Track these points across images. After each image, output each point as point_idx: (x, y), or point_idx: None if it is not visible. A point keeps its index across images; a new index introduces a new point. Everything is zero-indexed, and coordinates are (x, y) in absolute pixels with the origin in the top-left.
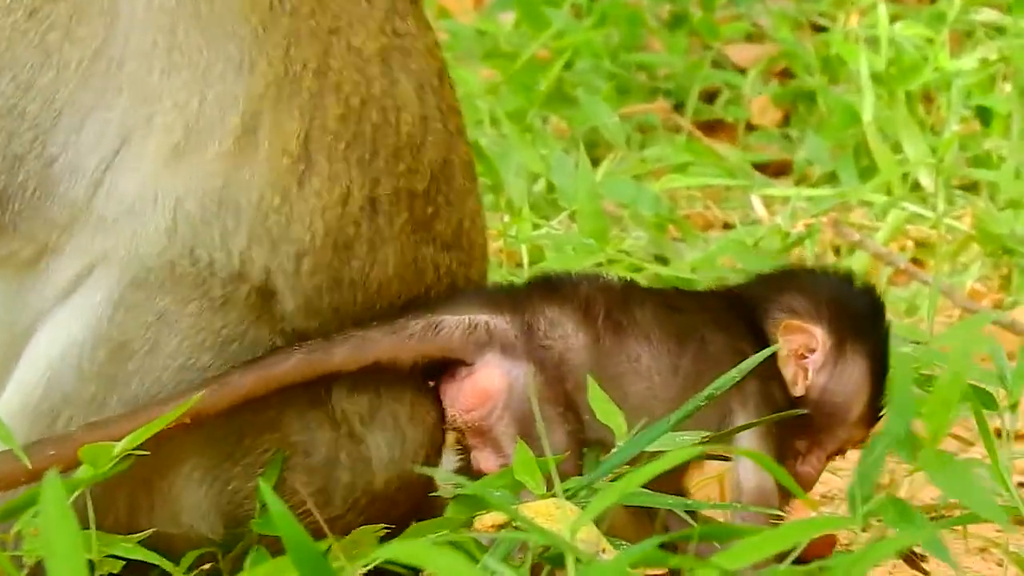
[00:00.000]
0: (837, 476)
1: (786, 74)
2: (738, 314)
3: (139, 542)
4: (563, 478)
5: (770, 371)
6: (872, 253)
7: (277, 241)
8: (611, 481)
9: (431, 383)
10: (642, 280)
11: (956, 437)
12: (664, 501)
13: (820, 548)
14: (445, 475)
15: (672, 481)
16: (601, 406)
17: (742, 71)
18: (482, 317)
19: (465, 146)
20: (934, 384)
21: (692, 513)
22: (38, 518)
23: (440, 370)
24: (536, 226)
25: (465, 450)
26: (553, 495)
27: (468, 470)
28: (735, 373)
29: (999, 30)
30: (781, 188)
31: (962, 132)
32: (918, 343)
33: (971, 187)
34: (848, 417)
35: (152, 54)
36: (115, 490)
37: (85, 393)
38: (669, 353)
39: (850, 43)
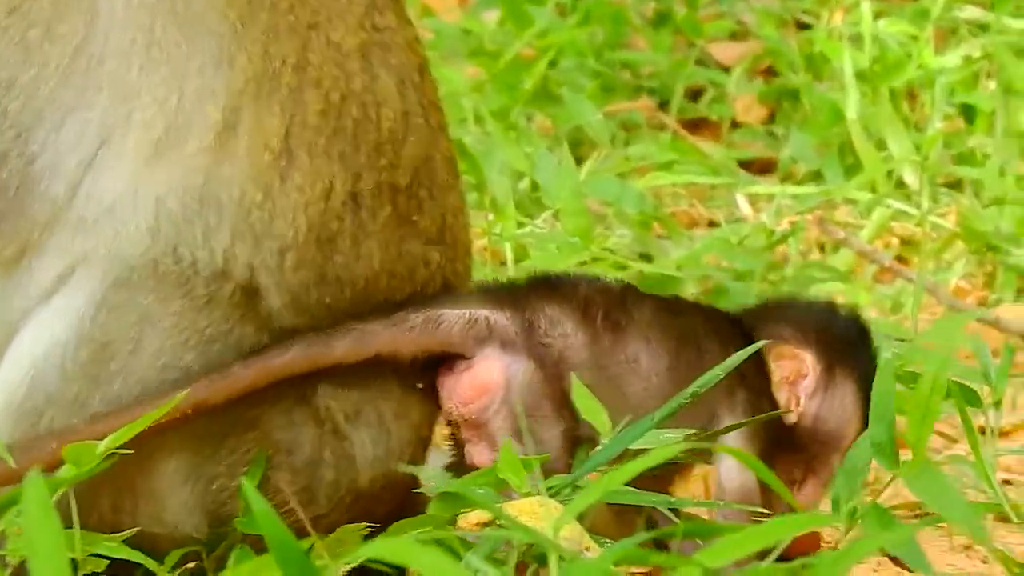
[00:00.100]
0: None
1: (770, 72)
2: (735, 331)
3: (123, 541)
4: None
5: (761, 388)
6: (857, 251)
7: (260, 237)
8: (595, 479)
9: (419, 385)
10: (627, 278)
11: (940, 434)
12: (646, 499)
13: (805, 546)
14: (430, 473)
15: (660, 485)
16: (585, 404)
17: (726, 69)
18: (482, 312)
19: (447, 141)
20: (915, 389)
21: (676, 512)
22: (21, 517)
23: (433, 368)
24: (520, 224)
25: (458, 444)
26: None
27: (460, 465)
28: (720, 370)
29: (983, 27)
30: (766, 186)
31: (946, 129)
32: (902, 340)
33: (955, 184)
34: (842, 443)
35: (131, 51)
36: (99, 489)
37: (68, 393)
38: (667, 355)
39: (834, 40)
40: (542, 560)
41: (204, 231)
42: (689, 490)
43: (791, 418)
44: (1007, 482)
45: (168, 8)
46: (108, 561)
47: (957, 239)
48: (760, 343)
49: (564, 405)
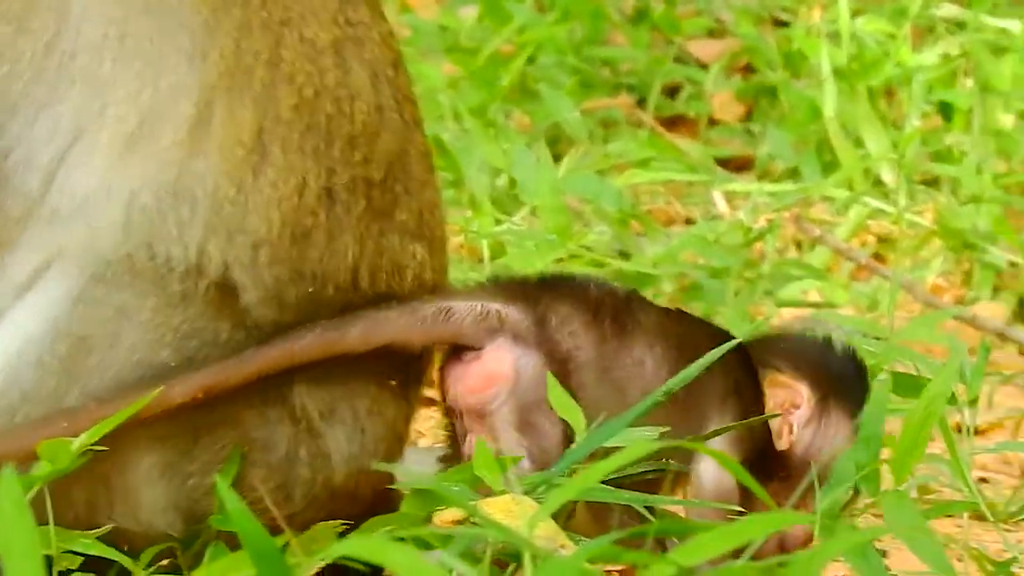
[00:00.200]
0: None
1: (748, 69)
2: (736, 350)
3: (98, 538)
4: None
5: (755, 409)
6: (833, 248)
7: (233, 232)
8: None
9: (393, 382)
10: (604, 276)
11: None
12: (620, 496)
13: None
14: (405, 470)
15: (651, 490)
16: (560, 402)
17: (704, 66)
18: (494, 305)
19: (422, 136)
20: (905, 421)
21: (653, 512)
22: None
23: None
24: (498, 221)
25: (453, 436)
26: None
27: (453, 458)
28: (695, 369)
29: (960, 25)
30: (743, 183)
31: (923, 127)
32: (879, 339)
33: (933, 182)
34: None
35: (103, 46)
36: (73, 486)
37: (45, 388)
38: (670, 363)
39: (812, 38)
40: (517, 558)
41: (178, 226)
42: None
43: (782, 445)
44: (983, 480)
45: (141, 3)
46: (82, 558)
47: (934, 237)
48: (734, 341)
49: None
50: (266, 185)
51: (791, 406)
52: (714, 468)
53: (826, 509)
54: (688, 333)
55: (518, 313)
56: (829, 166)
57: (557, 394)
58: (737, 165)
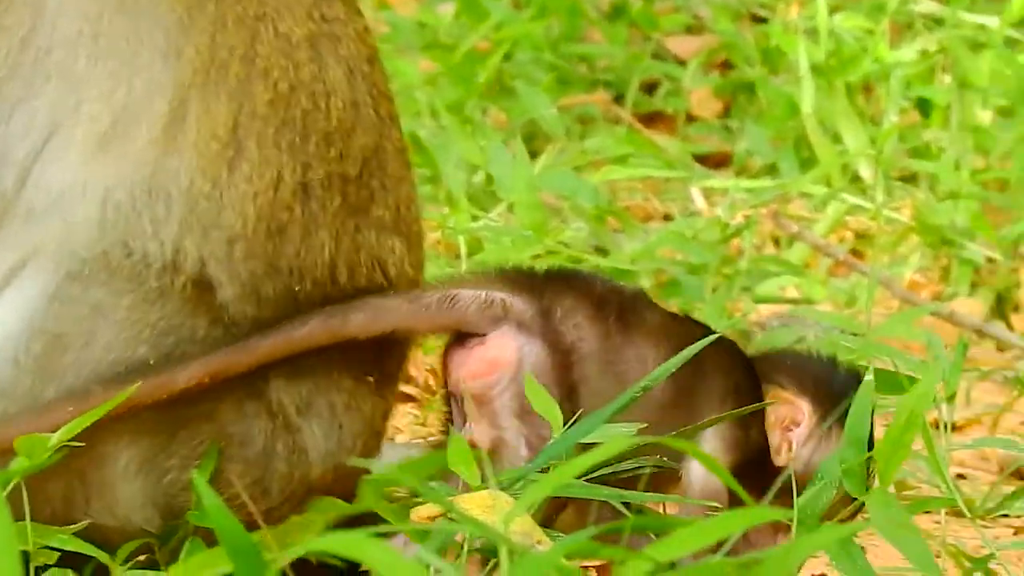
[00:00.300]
0: None
1: (726, 65)
2: (740, 360)
3: (75, 534)
4: None
5: (755, 418)
6: (811, 244)
7: (208, 228)
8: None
9: (370, 377)
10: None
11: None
12: (598, 492)
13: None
14: (382, 466)
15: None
16: (537, 398)
17: (682, 62)
18: (499, 294)
19: (398, 132)
20: (888, 427)
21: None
22: None
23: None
24: (475, 218)
25: (449, 424)
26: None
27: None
28: (673, 364)
29: (938, 21)
30: (721, 179)
31: (901, 123)
32: (856, 335)
33: (910, 178)
34: (834, 506)
35: (79, 42)
36: (50, 482)
37: (21, 386)
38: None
39: (790, 34)
40: (494, 553)
41: (153, 222)
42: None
43: (780, 462)
44: (961, 476)
45: (116, 1)
46: (59, 554)
47: (912, 233)
48: (715, 335)
49: (569, 394)
50: (241, 180)
51: (792, 423)
52: (703, 469)
53: (806, 506)
54: (691, 335)
55: (523, 303)
56: (807, 162)
57: (534, 390)
58: (715, 161)
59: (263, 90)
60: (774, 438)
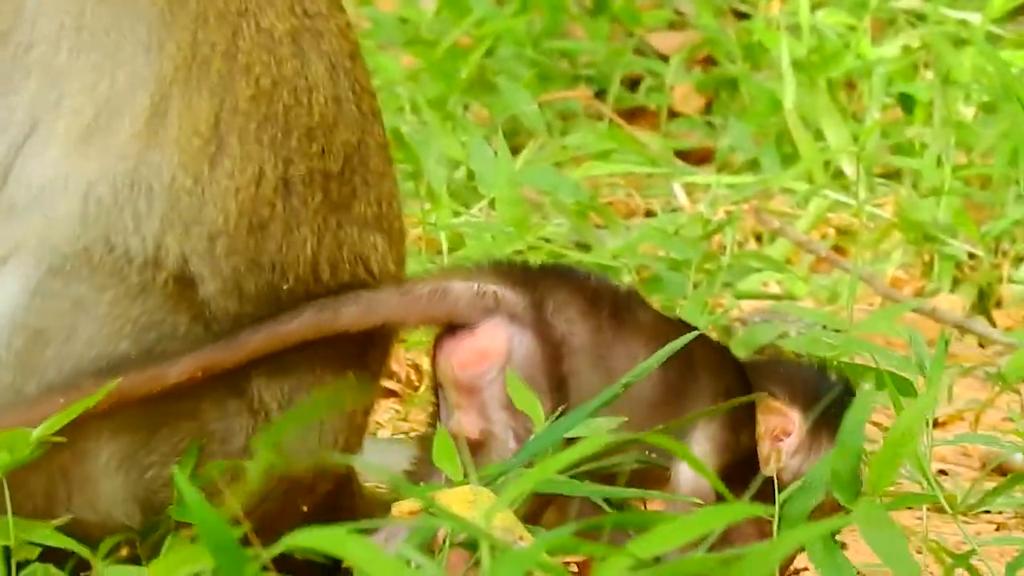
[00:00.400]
0: None
1: (708, 61)
2: (732, 365)
3: (56, 529)
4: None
5: (743, 422)
6: (793, 240)
7: (190, 224)
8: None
9: (351, 372)
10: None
11: (875, 424)
12: (579, 488)
13: None
14: (364, 462)
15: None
16: (519, 395)
17: (664, 58)
18: (491, 286)
19: (380, 128)
20: (884, 439)
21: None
22: None
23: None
24: (456, 213)
25: (436, 415)
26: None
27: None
28: (655, 360)
29: (920, 17)
30: (703, 175)
31: (884, 120)
32: (838, 331)
33: (893, 175)
34: (822, 507)
35: (60, 37)
36: (32, 477)
37: (2, 381)
38: (664, 365)
39: (772, 30)
40: (475, 549)
41: (135, 218)
42: None
43: (769, 472)
44: (942, 472)
45: None
46: (41, 549)
47: (894, 229)
48: (692, 332)
49: (559, 387)
50: (223, 176)
51: (782, 433)
52: (692, 471)
53: (789, 505)
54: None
55: (515, 295)
56: (789, 158)
57: (515, 386)
58: (697, 157)
59: (245, 86)
60: (764, 447)
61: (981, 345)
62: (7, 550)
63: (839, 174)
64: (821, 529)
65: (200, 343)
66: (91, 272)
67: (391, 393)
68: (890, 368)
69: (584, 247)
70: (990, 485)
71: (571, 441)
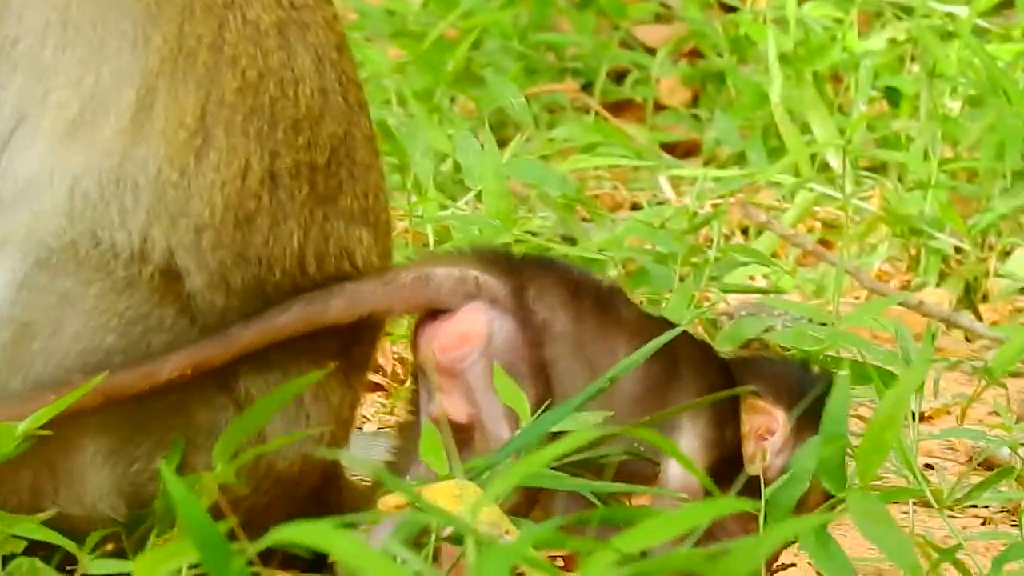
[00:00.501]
0: None
1: (695, 54)
2: (716, 362)
3: (42, 522)
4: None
5: (727, 418)
6: (779, 234)
7: (176, 217)
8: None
9: (334, 365)
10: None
11: (861, 419)
12: (566, 483)
13: None
14: (350, 456)
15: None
16: (505, 389)
17: (651, 51)
18: (473, 272)
19: (366, 120)
20: (868, 424)
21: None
22: None
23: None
24: (443, 206)
25: (416, 402)
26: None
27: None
28: (640, 355)
29: (907, 11)
30: (689, 169)
31: (870, 113)
32: (824, 325)
33: (879, 168)
34: (807, 503)
35: (46, 31)
36: (18, 471)
37: None
38: (648, 359)
39: (758, 23)
40: (460, 543)
41: (121, 212)
42: None
43: (754, 471)
44: (929, 467)
45: None
46: (27, 542)
47: (880, 223)
48: (678, 329)
49: (540, 372)
50: (209, 169)
51: (767, 432)
52: (681, 468)
53: (774, 499)
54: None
55: (496, 281)
56: (775, 152)
57: (502, 380)
58: (683, 150)
59: (231, 78)
60: (748, 446)
61: (967, 339)
62: None
63: (825, 167)
64: (812, 522)
65: (186, 336)
66: (77, 266)
67: (377, 387)
68: (876, 362)
69: (570, 240)
70: (976, 479)
71: (556, 434)
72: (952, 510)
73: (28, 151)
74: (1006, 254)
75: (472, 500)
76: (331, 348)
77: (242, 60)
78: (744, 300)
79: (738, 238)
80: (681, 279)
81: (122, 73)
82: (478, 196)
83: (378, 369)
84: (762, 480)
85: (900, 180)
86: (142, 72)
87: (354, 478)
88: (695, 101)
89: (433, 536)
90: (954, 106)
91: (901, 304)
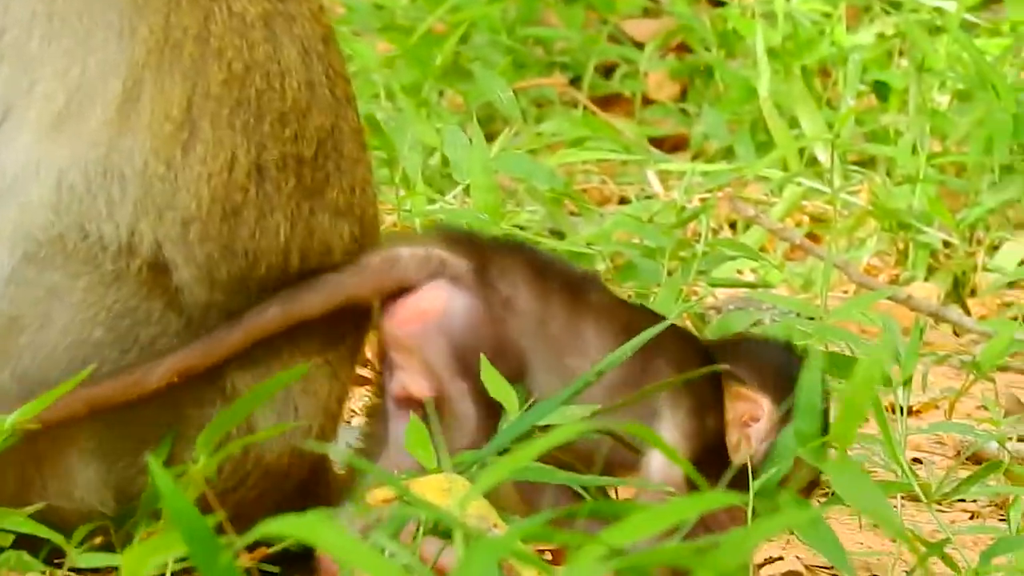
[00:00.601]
0: None
1: (683, 48)
2: (695, 349)
3: (30, 516)
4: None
5: (710, 405)
6: (768, 228)
7: (163, 210)
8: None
9: (321, 359)
10: None
11: None
12: (554, 476)
13: None
14: (338, 449)
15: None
16: (493, 383)
17: (639, 45)
18: (438, 251)
19: (354, 113)
20: (846, 386)
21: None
22: None
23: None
24: (431, 200)
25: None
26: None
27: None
28: (629, 349)
29: (895, 5)
30: (677, 163)
31: (858, 107)
32: (813, 319)
33: (868, 162)
34: (791, 480)
35: (32, 22)
36: (7, 465)
37: None
38: (614, 342)
39: (747, 18)
40: (449, 537)
41: (108, 204)
42: None
43: (739, 459)
44: (917, 461)
45: None
46: (15, 536)
47: (869, 217)
48: (663, 324)
49: (503, 351)
50: (195, 162)
51: (751, 419)
52: (663, 459)
53: (762, 491)
54: (639, 321)
55: (459, 259)
56: (764, 146)
57: (491, 376)
58: (672, 145)
59: (217, 70)
60: (732, 434)
61: (956, 333)
62: None
63: (814, 162)
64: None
65: (173, 330)
66: (65, 259)
67: (365, 380)
68: (864, 356)
69: (558, 234)
70: (964, 473)
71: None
72: (940, 504)
73: (14, 143)
74: (994, 248)
75: (461, 494)
76: (317, 342)
77: (228, 52)
78: (732, 294)
79: (726, 232)
80: (669, 273)
81: (108, 64)
82: (466, 190)
83: (366, 363)
84: (749, 467)
85: (888, 174)
86: (128, 63)
87: (341, 472)
88: (683, 95)
89: (420, 530)
90: (942, 100)
91: (889, 298)
